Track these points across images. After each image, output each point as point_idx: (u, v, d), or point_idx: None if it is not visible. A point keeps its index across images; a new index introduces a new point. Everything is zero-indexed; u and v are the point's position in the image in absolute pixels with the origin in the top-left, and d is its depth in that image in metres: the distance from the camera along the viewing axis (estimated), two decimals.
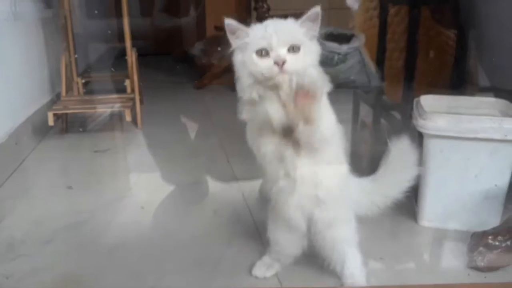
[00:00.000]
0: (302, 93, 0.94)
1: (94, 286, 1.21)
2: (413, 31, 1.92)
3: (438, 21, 2.20)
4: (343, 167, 1.13)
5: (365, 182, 1.22)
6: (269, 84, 0.96)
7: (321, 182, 1.08)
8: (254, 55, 0.96)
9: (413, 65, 1.89)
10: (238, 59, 1.00)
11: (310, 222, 1.13)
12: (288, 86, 0.96)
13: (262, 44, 0.95)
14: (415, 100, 1.53)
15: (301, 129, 0.97)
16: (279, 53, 0.94)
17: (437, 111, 1.41)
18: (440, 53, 2.21)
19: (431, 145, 1.38)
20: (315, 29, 0.99)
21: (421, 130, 1.38)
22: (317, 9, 0.98)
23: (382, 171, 1.22)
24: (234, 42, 0.99)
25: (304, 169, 1.05)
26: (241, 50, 0.99)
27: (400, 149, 1.21)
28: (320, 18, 0.98)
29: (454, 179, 1.37)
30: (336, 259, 1.15)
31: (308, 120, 0.96)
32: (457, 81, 2.04)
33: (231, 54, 1.01)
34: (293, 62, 0.94)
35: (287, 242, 1.18)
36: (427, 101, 1.49)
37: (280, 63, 0.93)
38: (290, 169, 1.05)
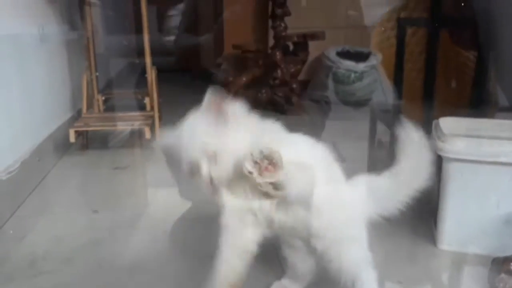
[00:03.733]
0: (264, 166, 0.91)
1: None
2: (431, 52, 1.92)
3: (457, 43, 2.21)
4: (339, 198, 1.09)
5: (381, 181, 1.15)
6: None
7: (312, 225, 1.05)
8: (187, 168, 0.97)
9: (432, 86, 1.89)
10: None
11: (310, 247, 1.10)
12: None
13: (187, 159, 0.96)
14: (434, 122, 1.53)
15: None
16: (202, 171, 0.94)
17: (456, 134, 1.40)
18: (459, 74, 2.21)
19: (451, 169, 1.37)
20: (225, 116, 0.96)
21: (440, 153, 1.38)
22: (208, 96, 0.95)
23: (400, 164, 1.15)
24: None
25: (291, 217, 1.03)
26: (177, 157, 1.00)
27: (413, 138, 1.14)
28: (223, 106, 0.94)
29: (474, 203, 1.36)
30: (346, 281, 1.11)
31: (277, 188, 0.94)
32: (477, 101, 2.03)
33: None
34: (215, 171, 0.94)
35: (295, 260, 1.17)
36: (446, 123, 1.49)
37: (208, 180, 0.95)
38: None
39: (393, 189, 1.14)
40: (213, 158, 0.94)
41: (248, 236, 1.03)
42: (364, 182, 1.15)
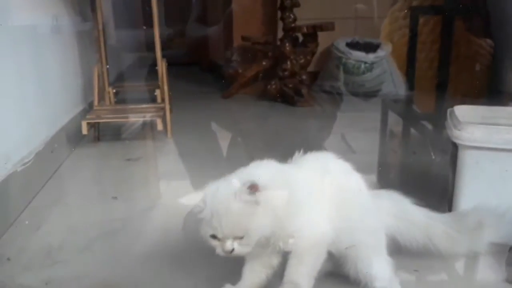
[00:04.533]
0: None
1: None
2: (445, 41, 1.90)
3: (470, 30, 2.18)
4: (355, 202, 1.14)
5: (417, 213, 1.24)
6: None
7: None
8: (208, 236, 1.01)
9: (445, 75, 1.87)
10: (200, 226, 1.04)
11: None
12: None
13: (210, 231, 1.00)
14: (449, 110, 1.51)
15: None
16: (225, 246, 0.99)
17: (472, 122, 1.39)
18: (473, 62, 2.19)
19: (467, 157, 1.36)
20: (258, 199, 0.98)
21: (456, 141, 1.37)
22: (250, 181, 0.97)
23: (443, 219, 1.24)
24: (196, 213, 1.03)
25: None
26: (200, 220, 1.03)
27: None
28: (258, 187, 0.97)
29: (491, 191, 1.35)
30: (362, 277, 1.14)
31: None
32: (490, 89, 2.01)
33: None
34: (240, 248, 0.99)
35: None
36: (461, 111, 1.47)
37: (228, 254, 0.99)
38: None
39: (420, 227, 1.21)
40: (238, 238, 0.99)
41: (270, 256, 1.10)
42: (392, 198, 1.24)
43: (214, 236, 1.00)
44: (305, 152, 1.16)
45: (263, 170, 1.08)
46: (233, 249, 0.99)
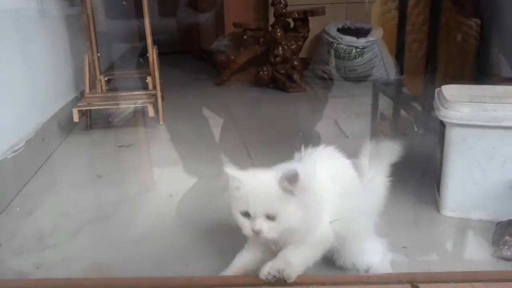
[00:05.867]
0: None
1: (122, 275, 1.24)
2: (434, 22, 1.90)
3: (459, 11, 2.18)
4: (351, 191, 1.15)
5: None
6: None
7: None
8: (238, 213, 1.00)
9: (435, 56, 1.87)
10: (232, 204, 1.03)
11: None
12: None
13: (243, 207, 0.99)
14: (437, 90, 1.52)
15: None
16: (255, 223, 0.98)
17: (459, 101, 1.40)
18: (462, 44, 2.19)
19: (454, 135, 1.37)
20: (295, 191, 0.98)
21: (443, 119, 1.37)
22: (293, 171, 0.96)
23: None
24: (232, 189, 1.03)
25: None
26: (233, 197, 1.02)
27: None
28: (298, 178, 0.96)
29: (478, 168, 1.36)
30: (354, 258, 1.16)
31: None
32: (479, 71, 2.01)
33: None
34: (269, 230, 0.98)
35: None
36: (449, 90, 1.48)
37: (256, 232, 0.98)
38: None
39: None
40: (271, 218, 0.98)
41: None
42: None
43: (245, 214, 1.00)
44: (306, 146, 1.15)
45: (306, 166, 1.08)
46: (261, 230, 0.98)
